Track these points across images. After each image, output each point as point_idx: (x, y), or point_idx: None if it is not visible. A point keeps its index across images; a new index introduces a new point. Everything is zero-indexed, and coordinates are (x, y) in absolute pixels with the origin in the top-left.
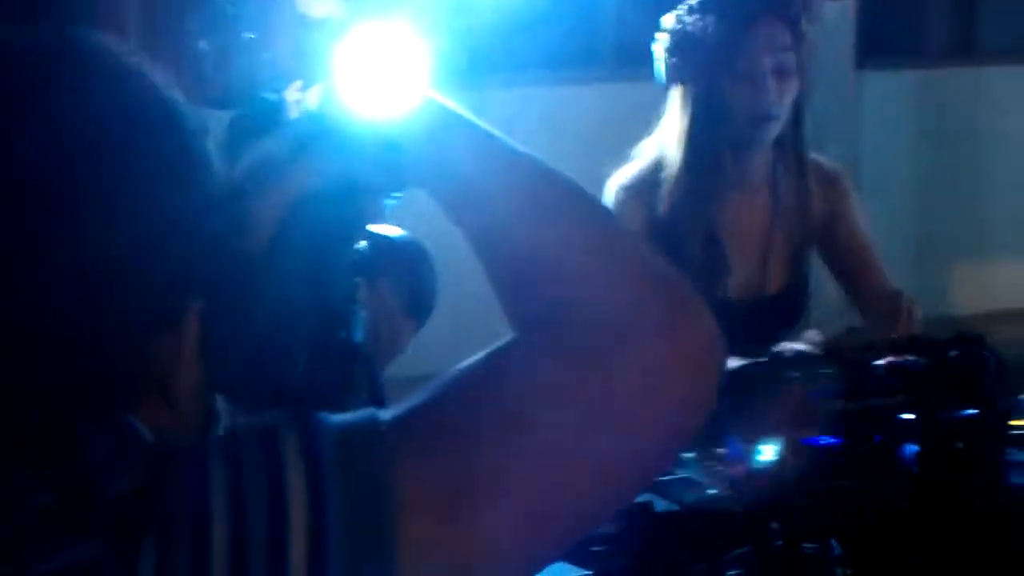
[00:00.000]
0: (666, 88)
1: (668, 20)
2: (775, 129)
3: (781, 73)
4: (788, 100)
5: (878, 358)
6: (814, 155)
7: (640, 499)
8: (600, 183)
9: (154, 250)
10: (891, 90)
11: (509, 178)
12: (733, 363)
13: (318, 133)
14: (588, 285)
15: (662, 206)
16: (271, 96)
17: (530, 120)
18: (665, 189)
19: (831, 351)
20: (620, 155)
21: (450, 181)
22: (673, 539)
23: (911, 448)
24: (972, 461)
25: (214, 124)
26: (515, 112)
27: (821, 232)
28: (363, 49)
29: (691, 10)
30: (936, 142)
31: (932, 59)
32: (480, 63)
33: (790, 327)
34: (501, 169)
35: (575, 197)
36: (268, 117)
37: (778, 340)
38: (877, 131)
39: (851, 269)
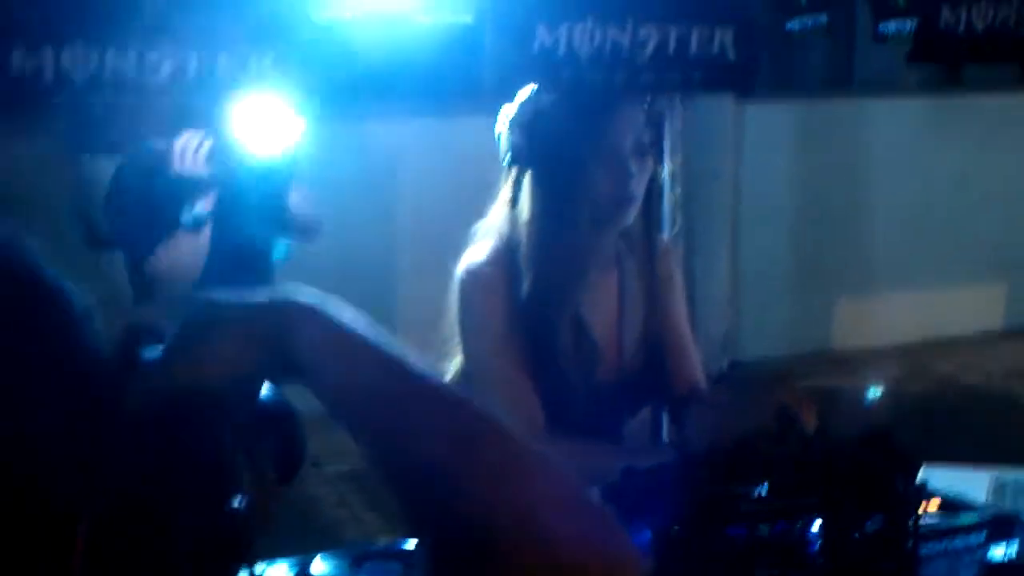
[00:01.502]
0: (510, 168)
1: (511, 106)
2: (635, 209)
3: (639, 153)
4: (646, 180)
5: (785, 455)
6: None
7: None
8: (475, 206)
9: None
10: (771, 122)
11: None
12: (642, 462)
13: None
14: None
15: (524, 292)
16: (157, 144)
17: (412, 150)
18: (527, 275)
19: (742, 446)
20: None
21: (358, 414)
22: None
23: (817, 540)
24: (880, 557)
25: (101, 171)
26: (396, 141)
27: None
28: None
29: (542, 93)
30: (817, 174)
31: (812, 91)
32: (364, 95)
33: (642, 407)
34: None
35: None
36: (153, 165)
37: (634, 418)
38: (757, 163)
39: (673, 354)
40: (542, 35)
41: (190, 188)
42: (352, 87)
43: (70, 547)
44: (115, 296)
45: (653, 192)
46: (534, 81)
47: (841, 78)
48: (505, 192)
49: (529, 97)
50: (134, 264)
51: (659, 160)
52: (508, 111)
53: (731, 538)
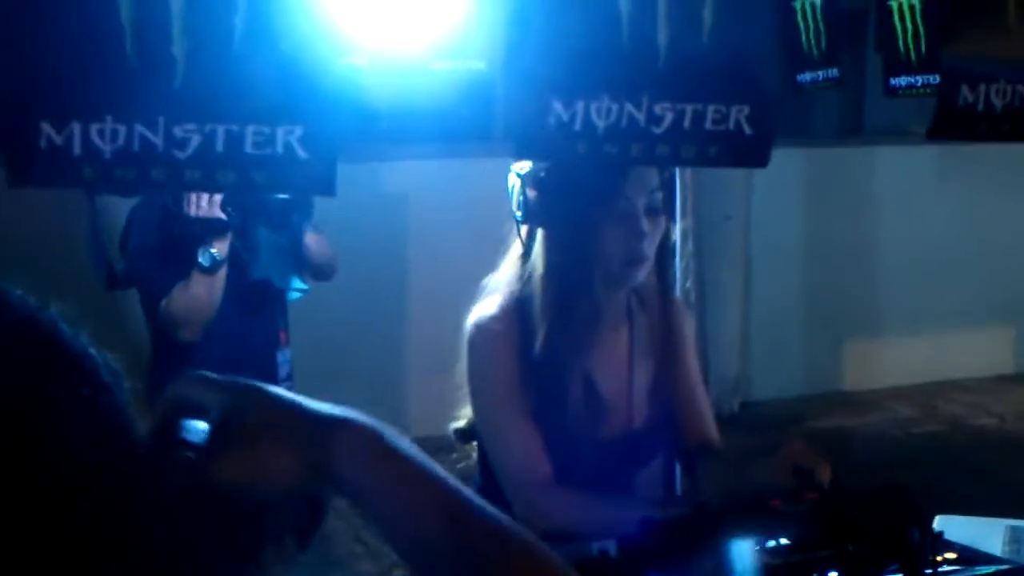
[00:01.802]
0: (519, 224)
1: (524, 164)
2: (647, 269)
3: (652, 213)
4: (658, 239)
5: (801, 509)
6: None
7: None
8: (487, 250)
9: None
10: (781, 168)
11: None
12: (653, 513)
13: None
14: None
15: (537, 346)
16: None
17: (423, 190)
18: (540, 330)
19: (756, 501)
20: (507, 225)
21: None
22: None
23: None
24: None
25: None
26: (410, 183)
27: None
28: None
29: None
30: (826, 219)
31: (822, 137)
32: (378, 137)
33: (651, 461)
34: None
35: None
36: (169, 207)
37: (644, 470)
38: (767, 208)
39: (686, 409)
40: (558, 110)
41: (206, 229)
42: (367, 130)
43: None
44: (131, 336)
45: (666, 250)
46: (549, 154)
47: (850, 126)
48: (516, 247)
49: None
50: (150, 304)
51: (671, 218)
52: (520, 167)
53: None
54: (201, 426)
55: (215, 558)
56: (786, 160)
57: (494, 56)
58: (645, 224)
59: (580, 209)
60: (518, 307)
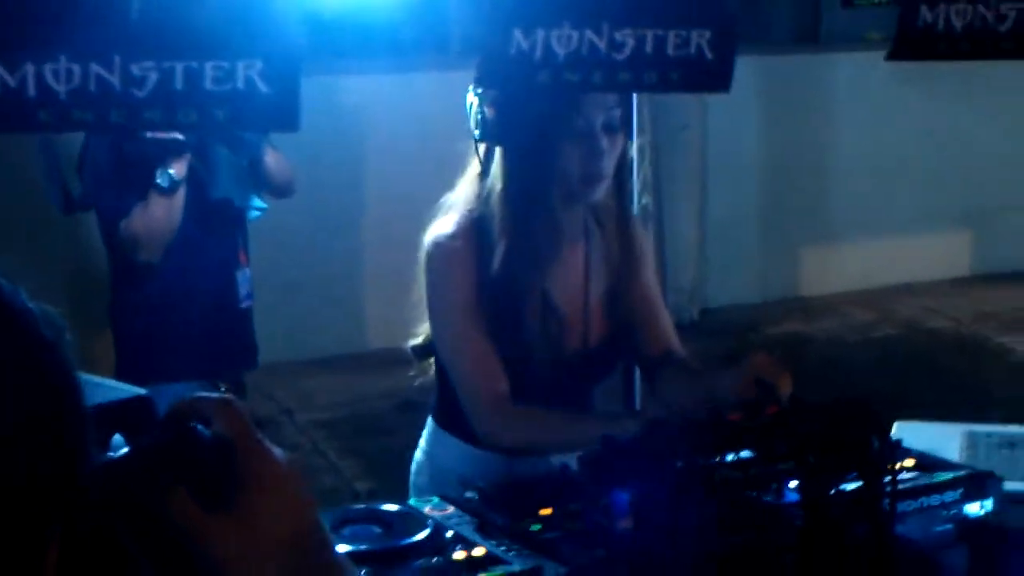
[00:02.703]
0: (477, 143)
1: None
2: (605, 186)
3: (610, 131)
4: (616, 156)
5: (762, 422)
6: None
7: (530, 564)
8: (442, 165)
9: (3, 479)
10: (738, 75)
11: None
12: (616, 429)
13: None
14: None
15: (495, 263)
16: None
17: (379, 105)
18: (499, 247)
19: (712, 415)
20: (462, 140)
21: None
22: None
23: (794, 498)
24: (856, 515)
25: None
26: (365, 98)
27: (625, 290)
28: None
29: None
30: (781, 127)
31: (777, 45)
32: (333, 51)
33: (607, 376)
34: None
35: None
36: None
37: (594, 389)
38: (723, 117)
39: (646, 322)
40: (518, 39)
41: (163, 150)
42: (321, 44)
43: (41, 557)
44: (90, 258)
45: (624, 168)
46: (511, 82)
47: (807, 34)
48: (474, 165)
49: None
50: (109, 227)
51: (629, 137)
52: (479, 89)
53: (709, 504)
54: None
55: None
56: (742, 69)
57: None
58: (604, 142)
59: (538, 128)
60: (476, 225)
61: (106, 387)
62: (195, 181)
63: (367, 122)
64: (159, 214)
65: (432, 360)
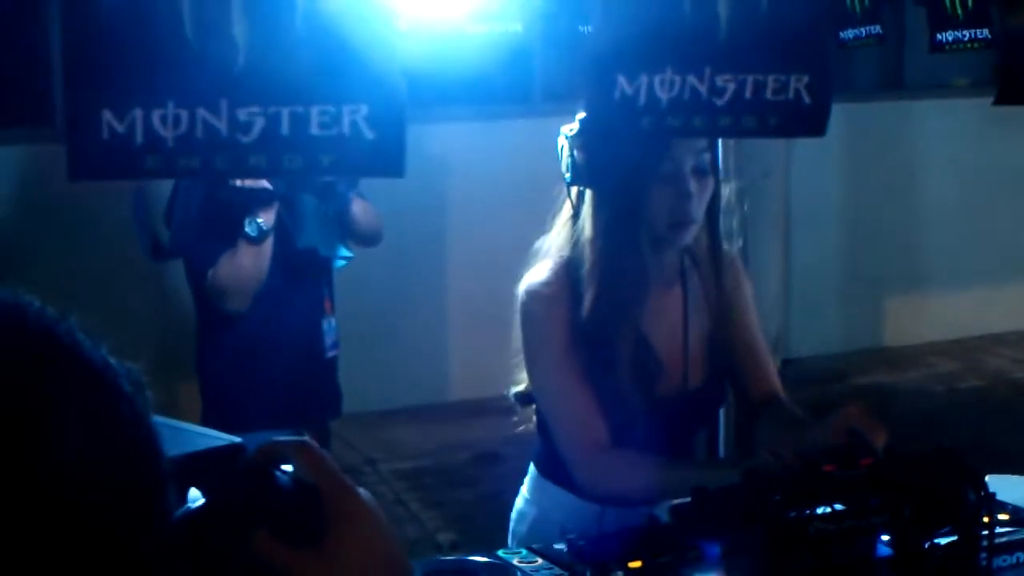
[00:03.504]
0: (569, 187)
1: (572, 126)
2: (695, 231)
3: (700, 174)
4: (706, 200)
5: (856, 474)
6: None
7: None
8: (526, 213)
9: (86, 536)
10: None
11: None
12: (699, 479)
13: None
14: None
15: (585, 310)
16: None
17: (463, 153)
18: (588, 293)
19: (810, 466)
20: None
21: None
22: None
23: (887, 553)
24: (952, 569)
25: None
26: (450, 146)
27: (726, 332)
28: None
29: None
30: (866, 174)
31: (862, 92)
32: (418, 100)
33: (709, 420)
34: None
35: None
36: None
37: (697, 435)
38: (807, 164)
39: (748, 365)
40: (622, 85)
41: (251, 199)
42: (409, 95)
43: None
44: (178, 307)
45: (715, 211)
46: (615, 129)
47: (891, 80)
48: (566, 210)
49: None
50: (197, 276)
51: (719, 180)
52: (568, 128)
53: (801, 559)
54: (290, 484)
55: None
56: None
57: (530, 19)
58: (692, 185)
59: (626, 170)
60: (568, 270)
61: (202, 435)
62: (282, 230)
63: (452, 170)
64: (247, 263)
65: (534, 407)
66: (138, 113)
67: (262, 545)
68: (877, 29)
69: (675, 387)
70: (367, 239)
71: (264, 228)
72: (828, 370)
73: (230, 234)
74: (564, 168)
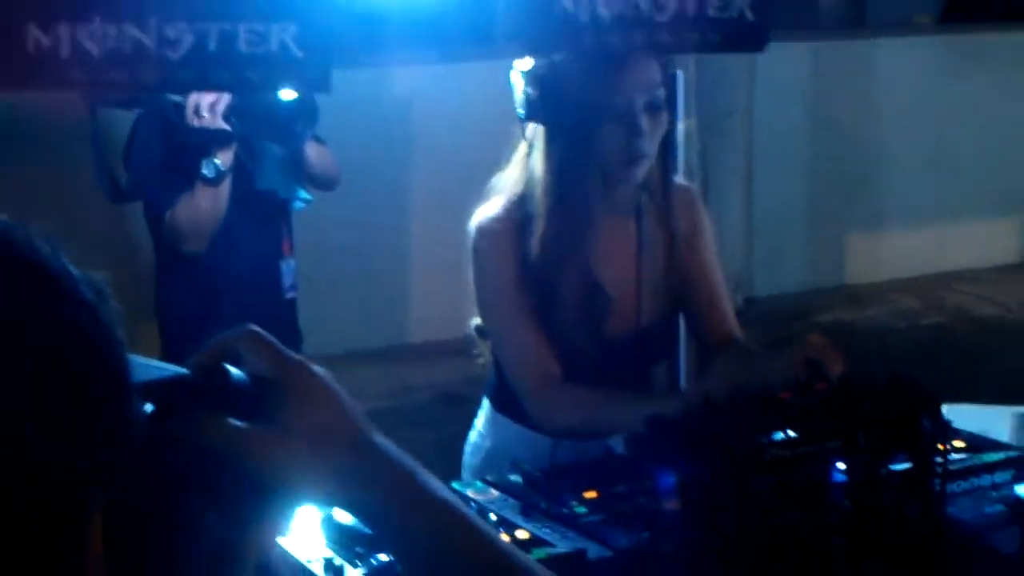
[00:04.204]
0: (523, 123)
1: (526, 61)
2: (647, 167)
3: (653, 110)
4: (659, 137)
5: (811, 401)
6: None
7: (574, 546)
8: (488, 155)
9: (41, 446)
10: (784, 62)
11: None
12: (667, 409)
13: None
14: None
15: (534, 246)
16: (175, 98)
17: (424, 96)
18: (537, 229)
19: (763, 393)
20: (510, 129)
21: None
22: None
23: (842, 479)
24: (906, 496)
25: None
26: (410, 89)
27: (683, 271)
28: None
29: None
30: (828, 114)
31: (825, 31)
32: (377, 44)
33: (663, 357)
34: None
35: None
36: (172, 119)
37: (651, 372)
38: (771, 103)
39: (704, 303)
40: (565, 2)
41: (209, 141)
42: (367, 37)
43: (83, 540)
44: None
45: (668, 147)
46: (555, 47)
47: (853, 18)
48: (521, 147)
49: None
50: (155, 217)
51: (673, 117)
52: (522, 64)
53: (757, 485)
54: (243, 378)
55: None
56: (788, 54)
57: None
58: (644, 121)
59: (579, 106)
60: (520, 207)
61: (149, 366)
62: (240, 172)
63: (413, 114)
64: (205, 204)
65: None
66: (64, 27)
67: (218, 428)
68: None
69: (627, 324)
70: (323, 183)
71: (222, 169)
72: (790, 309)
73: (188, 175)
74: (517, 104)
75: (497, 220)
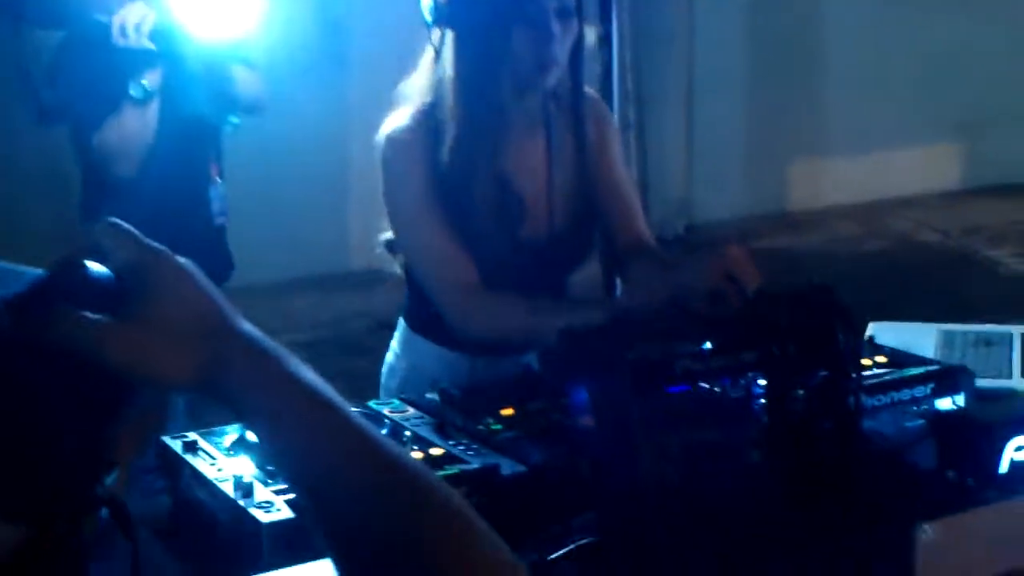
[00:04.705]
0: (430, 28)
1: None
2: (558, 73)
3: (563, 16)
4: (569, 43)
5: (725, 312)
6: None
7: (487, 462)
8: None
9: None
10: None
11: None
12: (571, 319)
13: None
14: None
15: (444, 154)
16: (101, 18)
17: (359, 17)
18: (448, 137)
19: (676, 305)
20: None
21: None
22: (520, 502)
23: (760, 397)
24: (822, 410)
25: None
26: (346, 9)
27: (592, 180)
28: None
29: None
30: (769, 39)
31: None
32: None
33: (578, 264)
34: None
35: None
36: (98, 38)
37: (568, 278)
38: (710, 29)
39: (614, 210)
40: None
41: (136, 61)
42: None
43: None
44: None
45: (578, 54)
46: None
47: None
48: (428, 53)
49: None
50: (82, 140)
51: (583, 23)
52: None
53: (671, 397)
54: (104, 273)
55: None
56: None
57: None
58: (555, 26)
59: (488, 10)
60: (429, 115)
61: (13, 272)
62: (168, 94)
63: (348, 34)
64: (133, 125)
65: (402, 258)
66: None
67: (72, 325)
68: None
69: (541, 229)
70: (249, 107)
71: (149, 90)
72: (730, 235)
73: (115, 96)
74: (425, 9)
75: (406, 130)
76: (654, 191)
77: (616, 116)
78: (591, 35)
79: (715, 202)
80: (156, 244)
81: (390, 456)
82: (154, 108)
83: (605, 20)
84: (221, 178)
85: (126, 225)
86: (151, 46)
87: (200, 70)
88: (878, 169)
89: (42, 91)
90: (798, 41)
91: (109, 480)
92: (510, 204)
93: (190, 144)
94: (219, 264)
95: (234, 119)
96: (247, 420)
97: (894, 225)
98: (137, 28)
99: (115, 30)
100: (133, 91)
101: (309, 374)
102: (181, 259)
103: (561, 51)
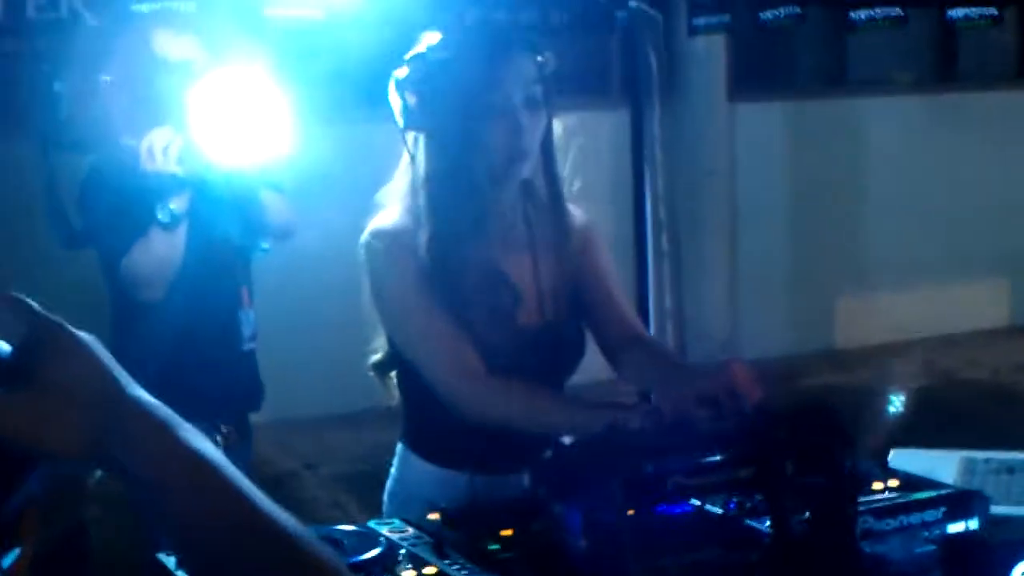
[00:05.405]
0: (404, 132)
1: (402, 70)
2: (530, 164)
3: (531, 106)
4: (539, 134)
5: (724, 427)
6: (570, 205)
7: None
8: None
9: None
10: (764, 121)
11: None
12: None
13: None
14: None
15: (430, 250)
16: (129, 142)
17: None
18: (425, 232)
19: (677, 420)
20: None
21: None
22: None
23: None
24: (821, 529)
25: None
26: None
27: (578, 275)
28: (219, 94)
29: (431, 52)
30: (811, 173)
31: (804, 90)
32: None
33: (578, 351)
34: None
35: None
36: (126, 163)
37: (569, 373)
38: (752, 163)
39: (597, 301)
40: None
41: (163, 186)
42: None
43: None
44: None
45: (550, 146)
46: (440, 25)
47: (834, 77)
48: (404, 158)
49: (417, 56)
50: (110, 263)
51: (551, 114)
52: (399, 72)
53: (665, 516)
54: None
55: None
56: (770, 114)
57: None
58: (524, 118)
59: (457, 106)
60: (410, 215)
61: None
62: (196, 218)
63: (379, 167)
64: (160, 250)
65: (393, 375)
66: None
67: None
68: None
69: (534, 317)
70: (279, 232)
71: (176, 214)
72: (777, 373)
73: (143, 221)
74: (397, 115)
75: (388, 232)
76: (699, 329)
77: (649, 245)
78: (559, 128)
79: (760, 340)
80: (54, 317)
81: (277, 530)
82: (182, 233)
83: (635, 150)
84: (251, 303)
85: (25, 298)
86: (178, 171)
87: (228, 195)
88: (924, 306)
89: (71, 215)
90: (839, 175)
91: (6, 561)
92: (502, 291)
93: (219, 269)
94: (249, 389)
95: (264, 244)
96: (133, 488)
97: (941, 363)
98: (164, 152)
99: (143, 154)
100: (161, 215)
101: (201, 443)
102: (80, 332)
103: (532, 141)
